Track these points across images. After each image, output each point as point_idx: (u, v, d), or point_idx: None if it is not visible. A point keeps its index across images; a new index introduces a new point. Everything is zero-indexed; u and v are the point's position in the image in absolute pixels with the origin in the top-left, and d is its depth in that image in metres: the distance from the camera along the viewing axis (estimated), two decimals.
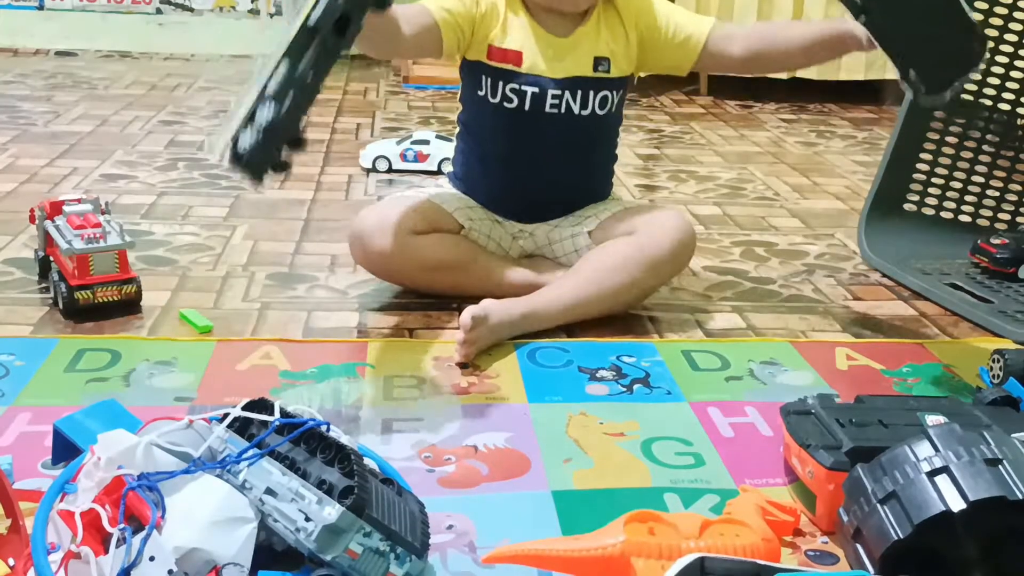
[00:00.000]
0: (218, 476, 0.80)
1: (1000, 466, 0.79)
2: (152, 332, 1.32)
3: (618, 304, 1.39)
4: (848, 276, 1.64)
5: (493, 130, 1.44)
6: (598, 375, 1.24)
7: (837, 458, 0.91)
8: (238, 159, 0.96)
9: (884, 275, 1.63)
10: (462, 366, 1.24)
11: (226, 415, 0.84)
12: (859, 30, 1.21)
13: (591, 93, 1.40)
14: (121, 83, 3.02)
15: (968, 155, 1.72)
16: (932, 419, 0.96)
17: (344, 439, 0.85)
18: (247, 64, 3.39)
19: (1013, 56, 1.67)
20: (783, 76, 2.98)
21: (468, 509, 0.94)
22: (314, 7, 0.98)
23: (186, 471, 0.80)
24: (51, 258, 1.39)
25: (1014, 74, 1.68)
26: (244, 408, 0.85)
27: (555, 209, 1.48)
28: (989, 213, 1.74)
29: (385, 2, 1.03)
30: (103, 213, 1.43)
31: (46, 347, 1.24)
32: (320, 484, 0.78)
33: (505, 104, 1.40)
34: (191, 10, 3.58)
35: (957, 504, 0.77)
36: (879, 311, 1.50)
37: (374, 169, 2.12)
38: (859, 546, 0.83)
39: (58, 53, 3.45)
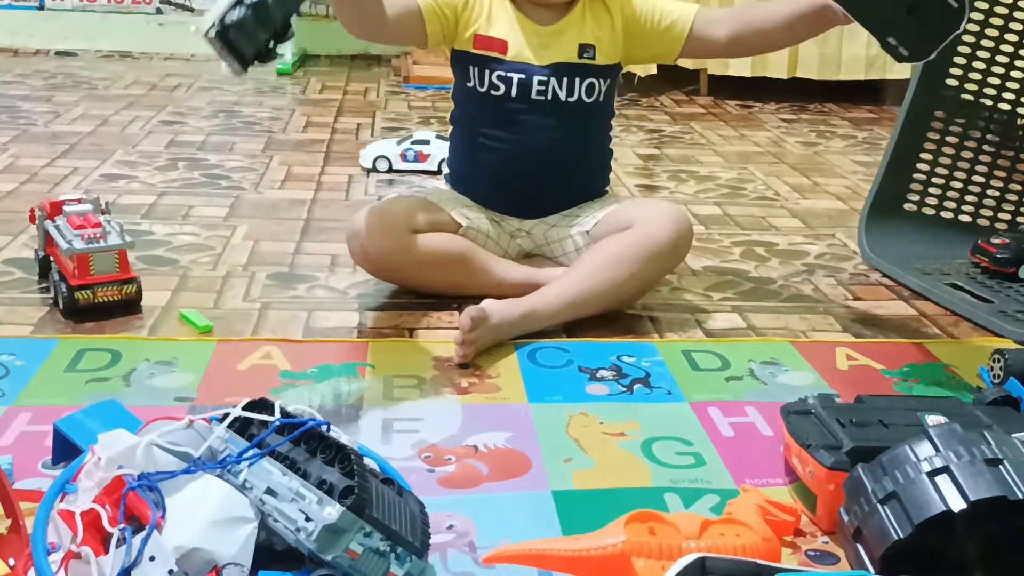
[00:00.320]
0: (218, 476, 0.80)
1: (1001, 466, 0.79)
2: (152, 332, 1.32)
3: (619, 299, 1.39)
4: (848, 276, 1.64)
5: (482, 120, 1.44)
6: (598, 375, 1.24)
7: (837, 458, 0.91)
8: (224, 36, 0.97)
9: (884, 275, 1.63)
10: (462, 366, 1.24)
11: (226, 415, 0.84)
12: (836, 3, 1.20)
13: (577, 80, 1.40)
14: (121, 83, 3.02)
15: (968, 155, 1.72)
16: (932, 419, 0.96)
17: (344, 439, 0.85)
18: None
19: (1013, 56, 1.67)
20: (783, 76, 2.98)
21: (468, 509, 0.94)
22: None
23: (186, 471, 0.80)
24: (51, 258, 1.39)
25: (1014, 74, 1.68)
26: (244, 408, 0.85)
27: (550, 203, 1.48)
28: (989, 213, 1.74)
29: None
30: (103, 213, 1.43)
31: (46, 347, 1.24)
32: (320, 484, 0.78)
33: (492, 92, 1.41)
34: (191, 10, 3.58)
35: (958, 504, 0.77)
36: (879, 311, 1.50)
37: (374, 169, 2.12)
38: (859, 546, 0.83)
39: (58, 53, 3.45)
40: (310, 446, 0.82)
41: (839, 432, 0.94)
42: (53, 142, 2.26)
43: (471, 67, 1.42)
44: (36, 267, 1.45)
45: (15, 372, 1.18)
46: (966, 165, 1.73)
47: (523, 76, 1.40)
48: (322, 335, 1.33)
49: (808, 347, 1.34)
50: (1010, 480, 0.78)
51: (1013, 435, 0.87)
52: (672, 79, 3.12)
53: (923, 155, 1.71)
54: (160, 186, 1.97)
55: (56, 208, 1.41)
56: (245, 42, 1.00)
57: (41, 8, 3.55)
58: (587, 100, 1.42)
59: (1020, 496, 0.77)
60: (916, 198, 1.73)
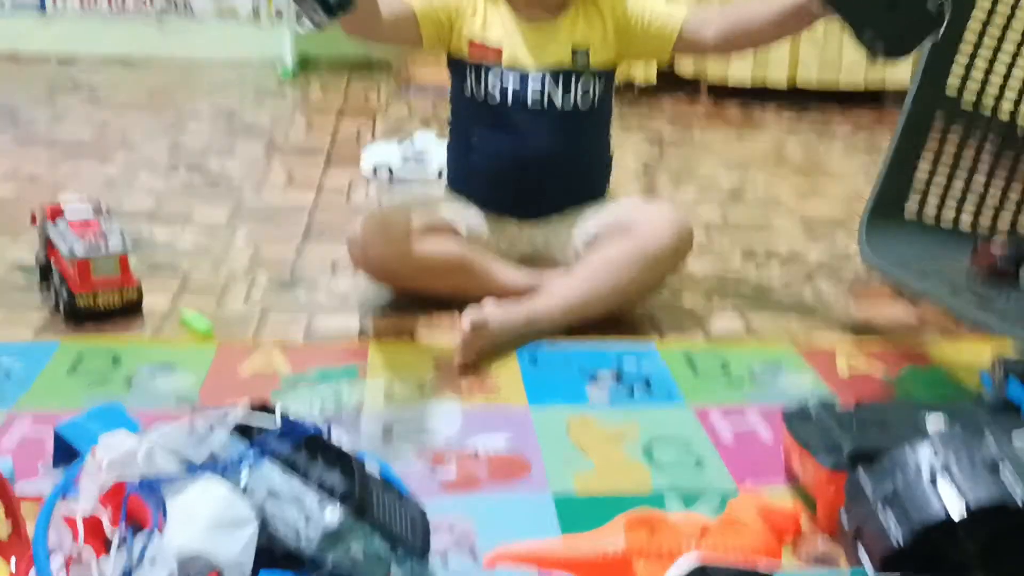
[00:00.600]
0: (219, 479, 0.80)
1: (1000, 470, 0.79)
2: (154, 335, 1.32)
3: (620, 302, 1.39)
4: (849, 280, 1.64)
5: (480, 124, 1.45)
6: (599, 378, 1.24)
7: (838, 460, 0.91)
8: None
9: (885, 278, 1.63)
10: (463, 369, 1.24)
11: (227, 418, 0.84)
12: None
13: (572, 82, 1.41)
14: (122, 88, 3.02)
15: (968, 159, 1.72)
16: (932, 422, 0.96)
17: (345, 442, 0.85)
18: (248, 69, 3.40)
19: (1011, 64, 1.67)
20: (783, 87, 2.98)
21: (469, 512, 0.94)
22: None
23: (187, 474, 0.80)
24: (52, 262, 1.39)
25: (1012, 82, 1.68)
26: (245, 411, 0.85)
27: (549, 205, 1.48)
28: (989, 217, 1.74)
29: None
30: (103, 215, 1.43)
31: (47, 351, 1.25)
32: (321, 487, 0.78)
33: (489, 99, 1.42)
34: (192, 14, 3.58)
35: (957, 507, 0.77)
36: (880, 315, 1.50)
37: (375, 173, 2.12)
38: (860, 548, 0.83)
39: (59, 58, 3.46)
40: (311, 449, 0.82)
41: (840, 434, 0.95)
42: (54, 147, 2.27)
43: (467, 73, 1.43)
44: (37, 271, 1.45)
45: (16, 376, 1.18)
46: (966, 169, 1.73)
47: (518, 81, 1.40)
48: (323, 338, 1.33)
49: (809, 350, 1.34)
50: (1010, 484, 0.78)
51: (1013, 438, 0.87)
52: (672, 84, 3.12)
53: (923, 159, 1.71)
54: (161, 190, 1.97)
55: (56, 212, 1.41)
56: None
57: (42, 10, 3.55)
58: (582, 103, 1.43)
59: (1020, 500, 0.77)
60: (916, 202, 1.73)
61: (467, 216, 1.45)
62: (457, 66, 1.45)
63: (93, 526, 0.74)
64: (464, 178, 1.51)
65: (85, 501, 0.77)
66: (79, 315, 1.32)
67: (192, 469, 0.80)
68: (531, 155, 1.43)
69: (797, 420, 1.00)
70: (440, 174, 2.00)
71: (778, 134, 2.71)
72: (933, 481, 0.80)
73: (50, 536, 0.76)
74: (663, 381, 1.24)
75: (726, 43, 1.40)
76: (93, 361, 1.22)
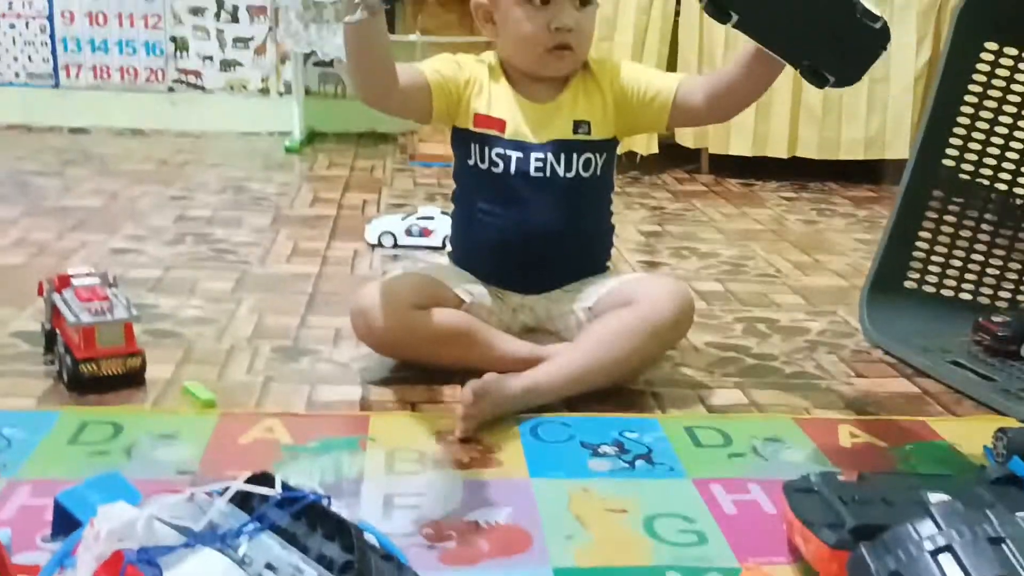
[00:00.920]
0: (218, 550, 0.80)
1: (1003, 545, 0.78)
2: (156, 405, 1.32)
3: (621, 374, 1.40)
4: (850, 353, 1.64)
5: (483, 196, 1.47)
6: (600, 450, 1.24)
7: (840, 536, 0.91)
8: None
9: (886, 352, 1.64)
10: (464, 440, 1.24)
11: (227, 488, 0.84)
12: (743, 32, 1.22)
13: (574, 155, 1.44)
14: (132, 159, 3.07)
15: (967, 233, 1.74)
16: (935, 497, 0.96)
17: (345, 513, 0.85)
18: (257, 141, 3.46)
19: (1008, 137, 1.70)
20: (783, 155, 3.03)
21: None
22: None
23: (186, 545, 0.79)
24: (57, 331, 1.40)
25: (1010, 154, 1.71)
26: (245, 481, 0.85)
27: (551, 278, 1.49)
28: (989, 291, 1.75)
29: None
30: (111, 286, 1.44)
31: (49, 420, 1.25)
32: (320, 559, 0.78)
33: (492, 169, 1.44)
34: (203, 88, 3.66)
35: None
36: (882, 388, 1.50)
37: (379, 244, 2.14)
38: None
39: (71, 130, 3.52)
40: (310, 520, 0.82)
41: (842, 510, 0.94)
42: (63, 216, 2.30)
43: (472, 144, 1.45)
44: (42, 340, 1.46)
45: (17, 444, 1.18)
46: (965, 243, 1.74)
47: (521, 154, 1.43)
48: (325, 408, 1.33)
49: (811, 424, 1.34)
50: (1013, 559, 0.77)
51: (1016, 514, 0.86)
52: (674, 158, 3.17)
53: (922, 233, 1.73)
54: (168, 260, 1.99)
55: (64, 281, 1.43)
56: None
57: (56, 87, 3.63)
58: (584, 175, 1.45)
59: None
60: (916, 276, 1.74)
61: (470, 287, 1.47)
62: (462, 137, 1.47)
63: None
64: (468, 250, 1.52)
65: (83, 572, 0.77)
66: (82, 383, 1.33)
67: (191, 539, 0.80)
68: (533, 226, 1.45)
69: (799, 494, 0.99)
70: (444, 244, 2.02)
71: (778, 208, 2.74)
72: (936, 558, 0.79)
73: None
74: (665, 454, 1.23)
75: (714, 105, 1.41)
76: (94, 430, 1.22)
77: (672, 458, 1.22)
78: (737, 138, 3.01)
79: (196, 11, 3.60)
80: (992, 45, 1.65)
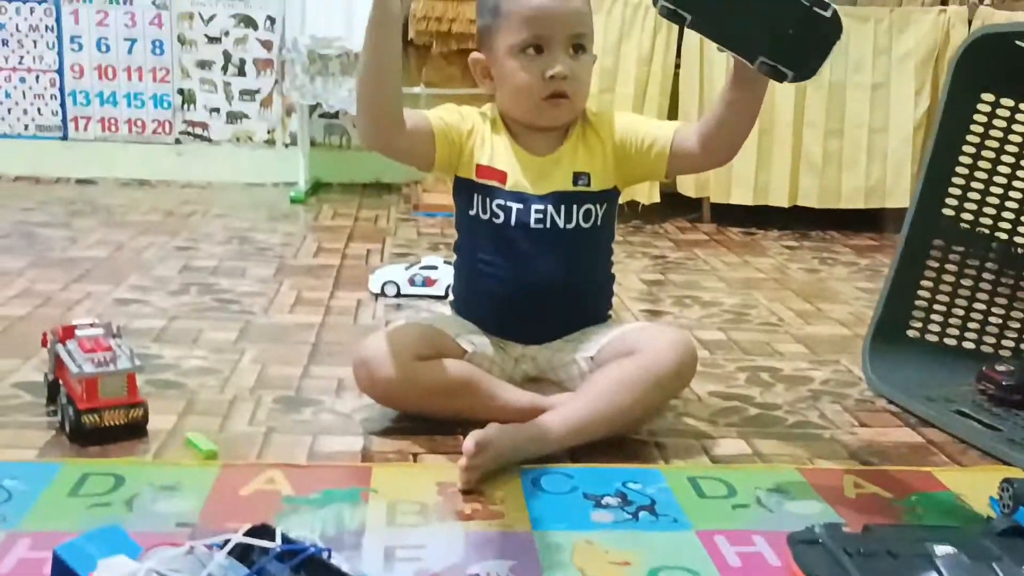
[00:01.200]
0: None
1: None
2: (158, 456, 1.32)
3: (624, 424, 1.39)
4: (854, 402, 1.63)
5: (484, 247, 1.48)
6: (603, 502, 1.23)
7: None
8: None
9: (890, 401, 1.63)
10: (466, 492, 1.23)
11: (227, 541, 0.84)
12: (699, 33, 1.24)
13: (574, 207, 1.44)
14: (138, 210, 3.10)
15: (968, 282, 1.74)
16: (941, 549, 0.95)
17: (346, 566, 0.84)
18: (262, 192, 3.49)
19: (1007, 186, 1.71)
20: (784, 204, 3.04)
21: None
22: None
23: None
24: (60, 381, 1.40)
25: (1009, 203, 1.72)
26: (245, 534, 0.84)
27: (553, 329, 1.49)
28: (993, 340, 1.75)
29: None
30: (114, 337, 1.45)
31: (50, 471, 1.24)
32: None
33: (493, 219, 1.45)
34: (210, 140, 3.70)
35: None
36: (886, 438, 1.49)
37: (383, 294, 2.15)
38: None
39: (79, 181, 3.56)
40: (310, 573, 0.82)
41: (847, 563, 0.93)
42: (69, 267, 2.31)
43: (474, 195, 1.46)
44: (45, 391, 1.46)
45: (17, 497, 1.17)
46: (967, 292, 1.74)
47: (521, 205, 1.44)
48: (326, 459, 1.33)
49: (815, 474, 1.33)
50: None
51: (1022, 567, 0.86)
52: (676, 207, 3.19)
53: (924, 282, 1.73)
54: (172, 310, 2.00)
55: (68, 332, 1.43)
56: None
57: (64, 139, 3.68)
58: (585, 225, 1.46)
59: None
60: (919, 325, 1.74)
61: (472, 337, 1.47)
62: (464, 187, 1.48)
63: None
64: (470, 301, 1.53)
65: None
66: (84, 433, 1.33)
67: None
68: (534, 277, 1.46)
69: (803, 546, 0.99)
70: (447, 293, 2.03)
71: (780, 257, 2.75)
72: None
73: None
74: (668, 505, 1.22)
75: (708, 143, 1.42)
76: (95, 482, 1.22)
77: (676, 509, 1.21)
78: (738, 187, 3.04)
79: (204, 64, 3.65)
80: (989, 96, 1.67)
